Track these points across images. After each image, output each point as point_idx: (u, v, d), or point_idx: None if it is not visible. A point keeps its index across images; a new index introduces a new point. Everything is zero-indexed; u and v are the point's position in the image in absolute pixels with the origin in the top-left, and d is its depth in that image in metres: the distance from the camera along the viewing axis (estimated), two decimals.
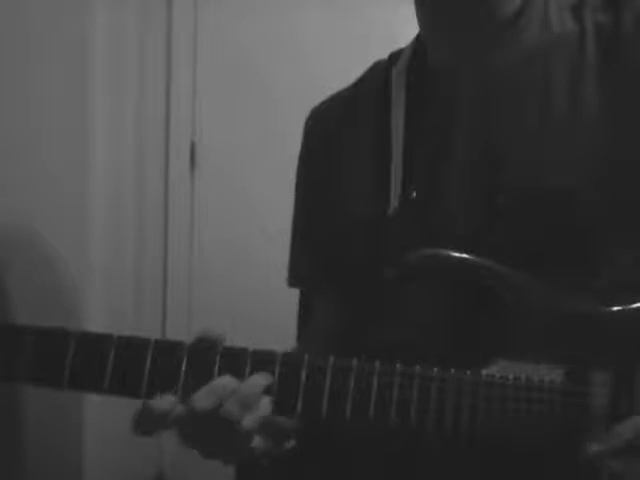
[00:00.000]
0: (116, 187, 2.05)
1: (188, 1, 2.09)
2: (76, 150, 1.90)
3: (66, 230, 1.81)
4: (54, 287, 1.75)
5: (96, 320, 1.92)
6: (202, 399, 0.82)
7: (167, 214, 2.13)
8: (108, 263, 2.03)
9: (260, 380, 0.84)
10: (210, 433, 0.83)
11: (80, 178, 1.92)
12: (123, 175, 2.07)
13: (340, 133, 1.04)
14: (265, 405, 0.83)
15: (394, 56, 1.04)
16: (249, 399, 0.82)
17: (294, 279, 1.11)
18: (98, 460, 1.94)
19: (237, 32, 2.10)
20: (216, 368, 0.84)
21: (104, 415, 1.92)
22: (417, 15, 0.98)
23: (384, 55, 1.07)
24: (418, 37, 1.02)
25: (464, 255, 0.85)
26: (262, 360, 0.84)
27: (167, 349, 0.85)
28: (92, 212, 1.98)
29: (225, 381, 0.83)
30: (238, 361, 0.84)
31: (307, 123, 1.11)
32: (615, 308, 0.83)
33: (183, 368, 0.84)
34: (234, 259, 2.11)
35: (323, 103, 1.10)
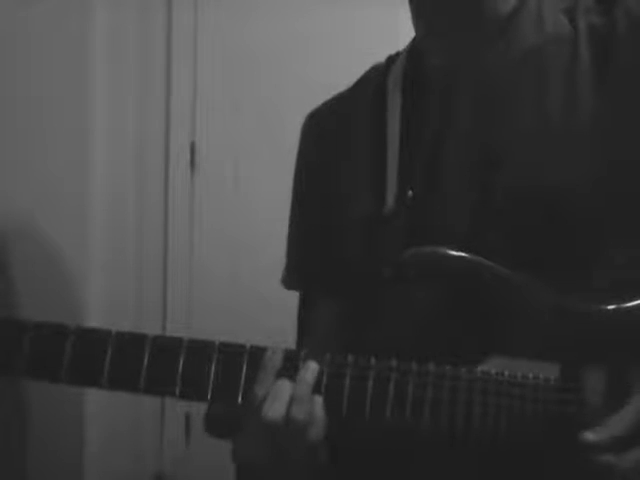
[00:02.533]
0: (116, 187, 2.05)
1: (188, 1, 2.09)
2: (76, 150, 1.90)
3: (67, 230, 1.81)
4: (55, 285, 1.75)
5: (96, 319, 1.92)
6: (272, 408, 0.82)
7: (167, 214, 2.12)
8: (109, 263, 2.03)
9: (310, 370, 0.84)
10: (289, 439, 0.83)
11: (80, 178, 1.93)
12: (123, 175, 2.07)
13: (337, 134, 1.04)
14: (319, 408, 0.83)
15: (391, 59, 1.05)
16: (305, 398, 0.83)
17: (290, 281, 1.11)
18: (98, 459, 1.94)
19: (237, 32, 2.10)
20: (213, 365, 0.85)
21: (105, 414, 1.92)
22: (412, 16, 0.98)
23: (384, 56, 1.07)
24: (414, 40, 1.02)
25: (461, 253, 0.86)
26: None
27: (165, 345, 0.85)
28: (92, 212, 1.98)
29: (283, 384, 0.83)
30: (234, 357, 0.85)
31: (304, 125, 1.11)
32: (611, 307, 0.84)
33: (181, 364, 0.85)
34: (234, 258, 2.11)
35: (320, 106, 1.11)
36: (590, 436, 0.77)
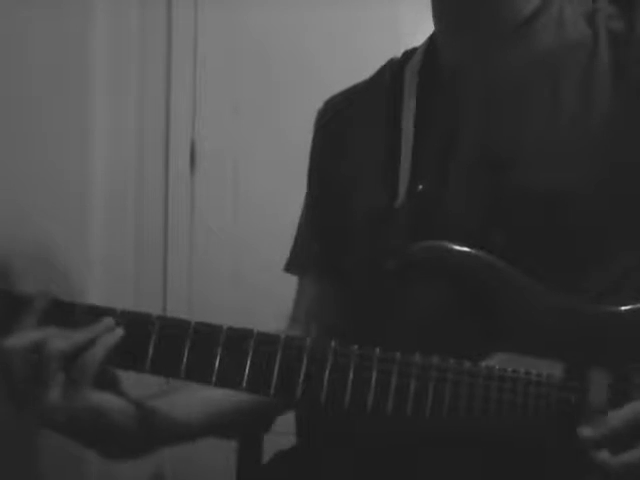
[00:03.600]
0: (116, 187, 2.05)
1: (188, 1, 2.10)
2: (76, 150, 1.90)
3: (67, 229, 1.81)
4: (54, 287, 1.75)
5: None
6: (14, 338, 0.83)
7: (167, 214, 2.12)
8: (108, 262, 2.03)
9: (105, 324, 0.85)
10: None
11: (80, 178, 1.93)
12: (123, 175, 2.07)
13: (351, 126, 1.05)
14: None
15: (408, 54, 1.05)
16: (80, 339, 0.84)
17: (293, 265, 1.12)
18: (98, 458, 1.93)
19: (237, 32, 2.10)
20: (219, 349, 0.85)
21: None
22: (433, 13, 0.98)
23: (388, 54, 1.08)
24: (432, 36, 1.02)
25: (466, 249, 0.86)
26: (265, 341, 0.85)
27: (171, 326, 0.86)
28: (92, 212, 1.98)
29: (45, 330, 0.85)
30: (240, 341, 0.85)
31: (319, 114, 1.12)
32: (615, 307, 0.84)
33: (187, 347, 0.85)
34: (233, 258, 2.11)
35: (336, 95, 1.11)
36: (586, 431, 0.78)
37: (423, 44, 1.04)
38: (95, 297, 1.98)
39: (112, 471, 1.95)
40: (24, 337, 0.84)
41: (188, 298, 2.12)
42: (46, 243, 1.72)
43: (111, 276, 2.04)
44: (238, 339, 0.86)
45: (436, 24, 0.99)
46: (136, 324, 0.87)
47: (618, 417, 0.77)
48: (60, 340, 0.83)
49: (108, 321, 0.86)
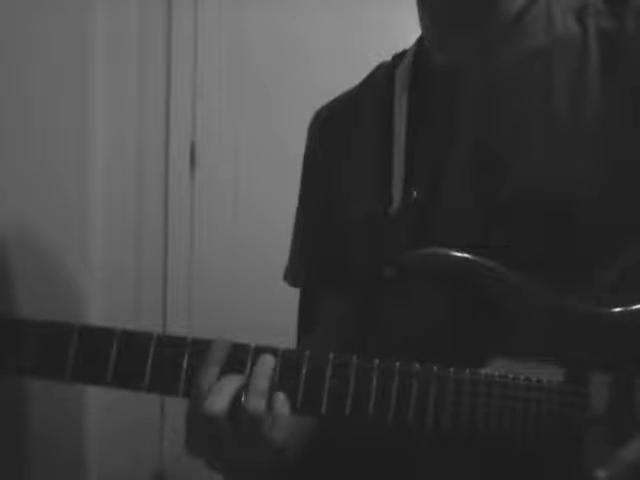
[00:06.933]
0: (116, 187, 2.05)
1: (188, 1, 2.10)
2: (76, 150, 1.90)
3: (66, 230, 1.81)
4: (54, 285, 1.75)
5: (96, 319, 1.92)
6: (215, 401, 0.81)
7: (167, 214, 2.12)
8: (108, 263, 2.03)
9: (266, 362, 0.83)
10: (236, 435, 0.81)
11: (80, 178, 1.92)
12: (123, 175, 2.07)
13: (344, 133, 1.05)
14: (280, 404, 0.82)
15: (398, 57, 1.05)
16: (264, 385, 0.82)
17: (294, 278, 1.11)
18: (98, 459, 1.94)
19: (237, 32, 2.10)
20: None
21: (105, 415, 1.92)
22: (419, 16, 0.98)
23: (384, 57, 1.07)
24: (421, 38, 1.02)
25: (464, 254, 0.86)
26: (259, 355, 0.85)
27: (169, 343, 0.85)
28: (92, 212, 1.98)
29: (230, 378, 0.82)
30: (239, 356, 0.85)
31: (312, 123, 1.11)
32: (616, 309, 0.84)
33: (185, 363, 0.84)
34: (234, 258, 2.11)
35: (328, 104, 1.11)
36: (601, 473, 0.77)
37: (413, 46, 1.03)
38: (95, 297, 1.98)
39: (112, 471, 1.95)
40: (223, 399, 0.81)
41: (188, 298, 2.12)
42: (45, 243, 1.71)
43: (111, 276, 2.04)
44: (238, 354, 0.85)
45: (427, 26, 0.98)
46: (135, 343, 0.85)
47: (629, 452, 0.77)
48: (255, 398, 0.81)
49: (270, 359, 0.84)
